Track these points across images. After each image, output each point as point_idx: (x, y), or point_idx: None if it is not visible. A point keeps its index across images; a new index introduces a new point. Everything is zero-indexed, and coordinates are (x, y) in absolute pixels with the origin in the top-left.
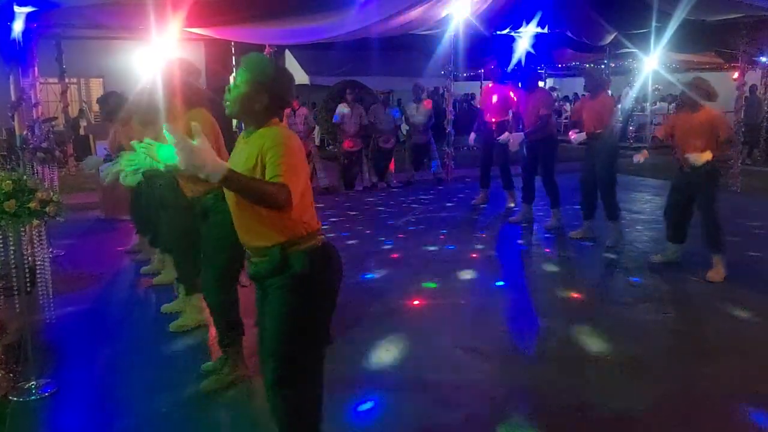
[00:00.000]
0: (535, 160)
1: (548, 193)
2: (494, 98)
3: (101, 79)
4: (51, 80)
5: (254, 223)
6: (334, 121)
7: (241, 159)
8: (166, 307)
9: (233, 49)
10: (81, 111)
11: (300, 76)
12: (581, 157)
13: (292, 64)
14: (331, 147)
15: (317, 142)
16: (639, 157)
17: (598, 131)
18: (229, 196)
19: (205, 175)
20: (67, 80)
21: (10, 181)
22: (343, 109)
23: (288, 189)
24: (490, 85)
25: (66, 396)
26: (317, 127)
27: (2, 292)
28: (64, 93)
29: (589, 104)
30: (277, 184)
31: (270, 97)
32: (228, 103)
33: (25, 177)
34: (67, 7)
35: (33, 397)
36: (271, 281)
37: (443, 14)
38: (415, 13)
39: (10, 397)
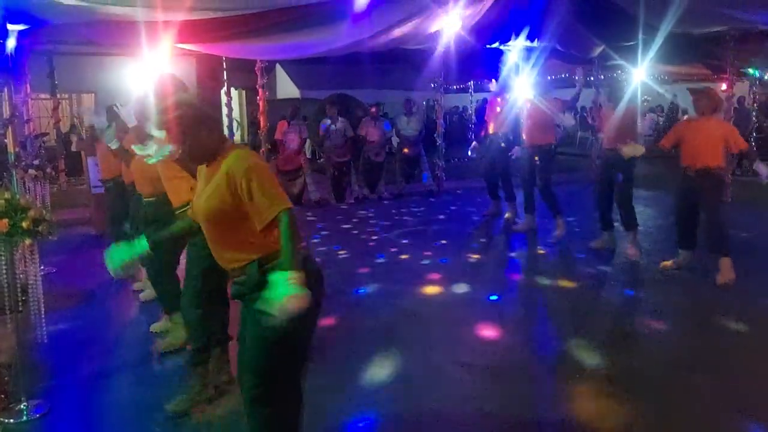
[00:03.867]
0: (533, 169)
1: (547, 203)
2: (498, 110)
3: (93, 95)
4: (42, 96)
5: (226, 245)
6: (320, 135)
7: (208, 186)
8: (155, 327)
9: (225, 63)
10: (72, 126)
11: (291, 90)
12: (572, 168)
13: (282, 77)
14: (321, 160)
15: (308, 154)
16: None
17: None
18: (202, 214)
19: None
20: (58, 95)
21: (3, 201)
22: (327, 123)
23: (291, 209)
24: (494, 97)
25: (58, 417)
26: (308, 141)
27: None
28: (55, 109)
29: (615, 114)
30: (290, 233)
31: (206, 124)
32: (189, 157)
33: (18, 196)
34: (59, 24)
35: (24, 419)
36: (253, 298)
37: (434, 29)
38: (406, 28)
39: (1, 419)
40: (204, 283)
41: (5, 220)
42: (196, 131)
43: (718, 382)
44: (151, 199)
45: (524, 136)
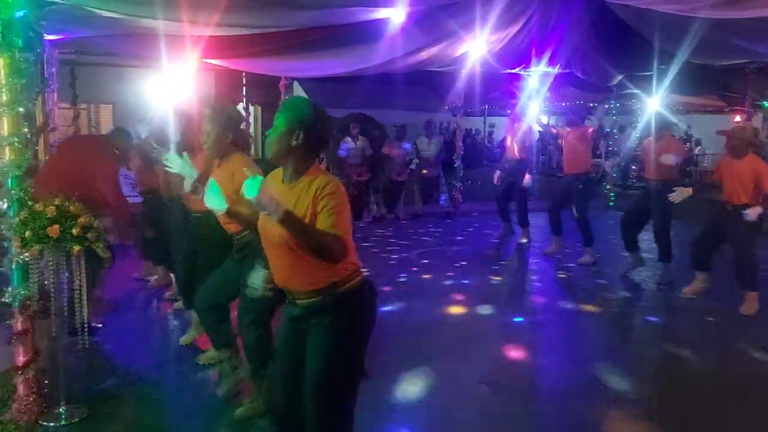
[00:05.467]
0: (568, 195)
1: (582, 231)
2: (509, 137)
3: (111, 106)
4: (63, 105)
5: (300, 268)
6: (339, 154)
7: (288, 205)
8: (185, 339)
9: (244, 79)
10: None
11: None
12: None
13: (299, 93)
14: (336, 177)
15: None
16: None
17: (667, 175)
18: (270, 243)
19: (271, 211)
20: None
21: (53, 207)
22: (346, 143)
23: (344, 241)
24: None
25: (96, 422)
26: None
27: (38, 316)
28: (76, 118)
29: (654, 147)
30: (333, 235)
31: (307, 136)
32: (269, 144)
33: (66, 202)
34: (94, 36)
35: (63, 423)
36: (317, 320)
37: (459, 53)
38: (432, 51)
39: (41, 422)
40: (266, 304)
41: (56, 226)
42: (297, 138)
43: (744, 409)
44: (198, 215)
45: (563, 165)
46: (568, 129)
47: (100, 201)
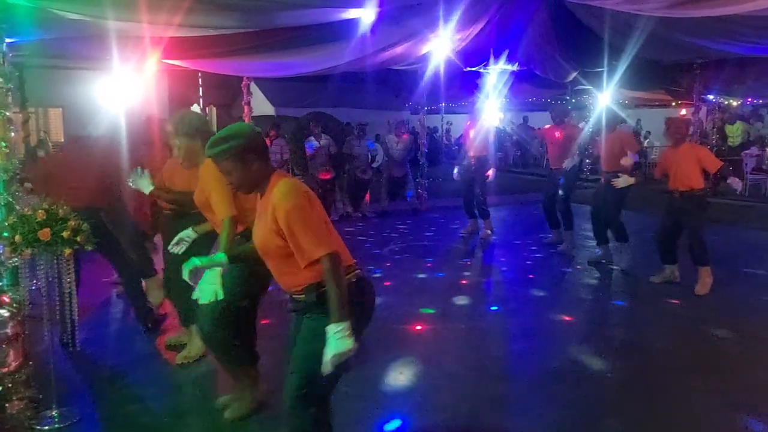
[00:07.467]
0: (556, 188)
1: (563, 216)
2: (472, 133)
3: (60, 109)
4: (12, 109)
5: (283, 273)
6: (308, 152)
7: (261, 220)
8: (170, 339)
9: (200, 79)
10: (41, 141)
11: (265, 107)
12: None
13: (257, 94)
14: (299, 176)
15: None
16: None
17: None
18: (258, 246)
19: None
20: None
21: (43, 211)
22: (312, 141)
23: (333, 254)
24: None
25: (88, 425)
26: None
27: (29, 320)
28: (26, 123)
29: (607, 138)
30: (334, 275)
31: (252, 153)
32: (240, 188)
33: (56, 206)
34: (48, 38)
35: (56, 426)
36: (309, 314)
37: (423, 52)
38: (396, 51)
39: (33, 426)
40: (233, 306)
41: (47, 230)
42: (249, 162)
43: (710, 382)
44: (170, 212)
45: (550, 161)
46: (551, 126)
47: None
